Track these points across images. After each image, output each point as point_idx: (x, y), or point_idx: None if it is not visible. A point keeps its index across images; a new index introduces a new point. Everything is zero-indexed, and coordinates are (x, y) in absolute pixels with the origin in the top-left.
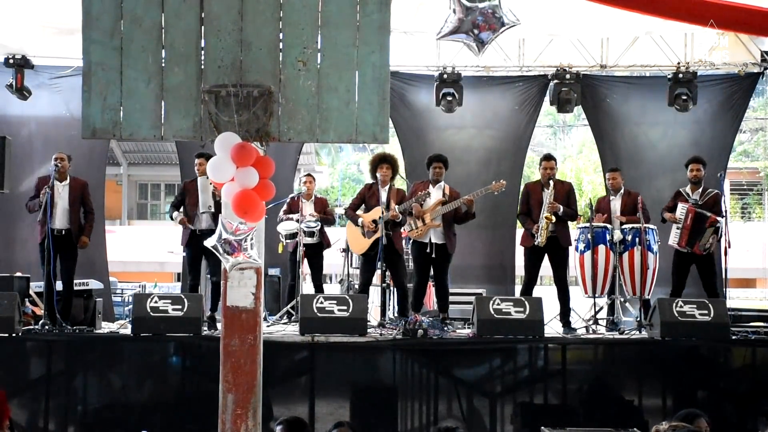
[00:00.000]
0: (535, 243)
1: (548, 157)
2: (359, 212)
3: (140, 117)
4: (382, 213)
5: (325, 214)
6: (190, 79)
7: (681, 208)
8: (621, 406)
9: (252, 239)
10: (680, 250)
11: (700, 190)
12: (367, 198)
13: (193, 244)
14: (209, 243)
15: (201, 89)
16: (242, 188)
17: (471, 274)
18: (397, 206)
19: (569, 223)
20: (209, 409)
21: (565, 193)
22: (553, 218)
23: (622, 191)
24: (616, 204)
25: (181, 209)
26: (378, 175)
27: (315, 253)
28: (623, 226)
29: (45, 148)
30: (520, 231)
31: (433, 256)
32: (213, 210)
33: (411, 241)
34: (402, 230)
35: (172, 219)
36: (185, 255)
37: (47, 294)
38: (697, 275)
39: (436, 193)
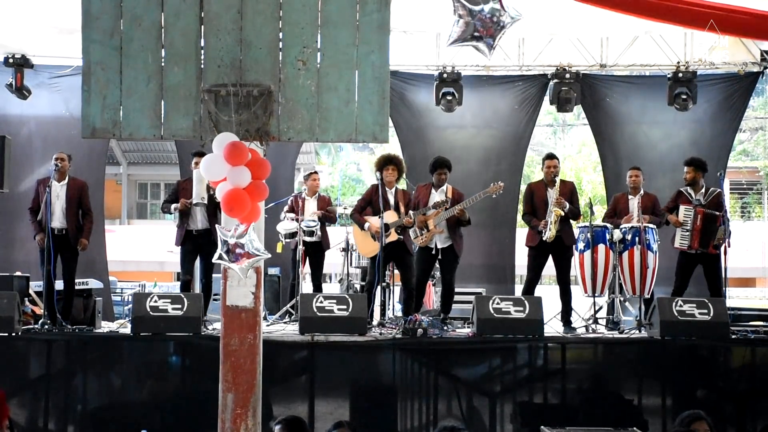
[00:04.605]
0: (544, 238)
1: (551, 156)
2: (366, 216)
3: (140, 116)
4: (379, 216)
5: (326, 212)
6: (190, 78)
7: (686, 210)
8: (621, 406)
9: (251, 236)
10: (687, 252)
11: (703, 190)
12: (374, 201)
13: (188, 242)
14: (215, 260)
15: (201, 89)
16: (234, 187)
17: (471, 274)
18: (412, 212)
19: (571, 221)
20: (209, 409)
21: (569, 192)
22: (561, 213)
23: (641, 192)
24: (635, 203)
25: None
26: (383, 176)
27: (315, 252)
28: (623, 226)
29: (45, 147)
30: (519, 230)
31: (440, 257)
32: (205, 202)
33: (416, 246)
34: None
35: (170, 213)
36: (180, 252)
37: (47, 293)
38: (697, 274)
39: (438, 196)
